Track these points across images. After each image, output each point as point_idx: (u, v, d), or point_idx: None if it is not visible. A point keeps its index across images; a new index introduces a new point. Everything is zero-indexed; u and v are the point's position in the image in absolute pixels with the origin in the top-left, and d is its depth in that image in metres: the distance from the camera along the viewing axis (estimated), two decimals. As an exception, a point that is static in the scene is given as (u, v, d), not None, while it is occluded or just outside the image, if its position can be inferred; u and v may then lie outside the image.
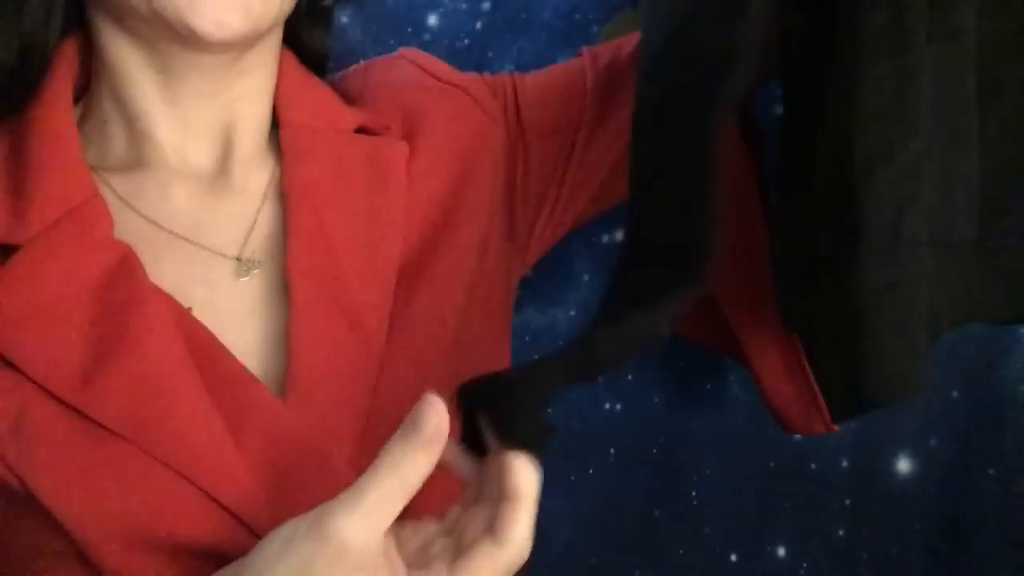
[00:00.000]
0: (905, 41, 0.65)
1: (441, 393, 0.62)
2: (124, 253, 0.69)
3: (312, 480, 0.67)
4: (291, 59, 0.80)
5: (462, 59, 1.02)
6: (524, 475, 0.58)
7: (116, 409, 0.65)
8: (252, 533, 0.65)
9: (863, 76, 0.65)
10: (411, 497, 0.57)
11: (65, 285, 0.67)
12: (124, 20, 0.72)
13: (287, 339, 0.69)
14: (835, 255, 0.68)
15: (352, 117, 0.79)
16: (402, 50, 0.87)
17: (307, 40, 0.82)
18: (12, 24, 0.72)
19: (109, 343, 0.66)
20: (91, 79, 0.76)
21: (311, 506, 0.62)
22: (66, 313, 0.67)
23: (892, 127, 0.66)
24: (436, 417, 0.56)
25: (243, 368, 0.68)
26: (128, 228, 0.71)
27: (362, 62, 0.88)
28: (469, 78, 0.86)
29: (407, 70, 0.85)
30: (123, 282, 0.68)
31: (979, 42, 0.68)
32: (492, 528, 0.58)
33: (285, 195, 0.74)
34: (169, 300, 0.69)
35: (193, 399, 0.66)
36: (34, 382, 0.66)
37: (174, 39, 0.70)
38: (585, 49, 0.88)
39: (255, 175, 0.76)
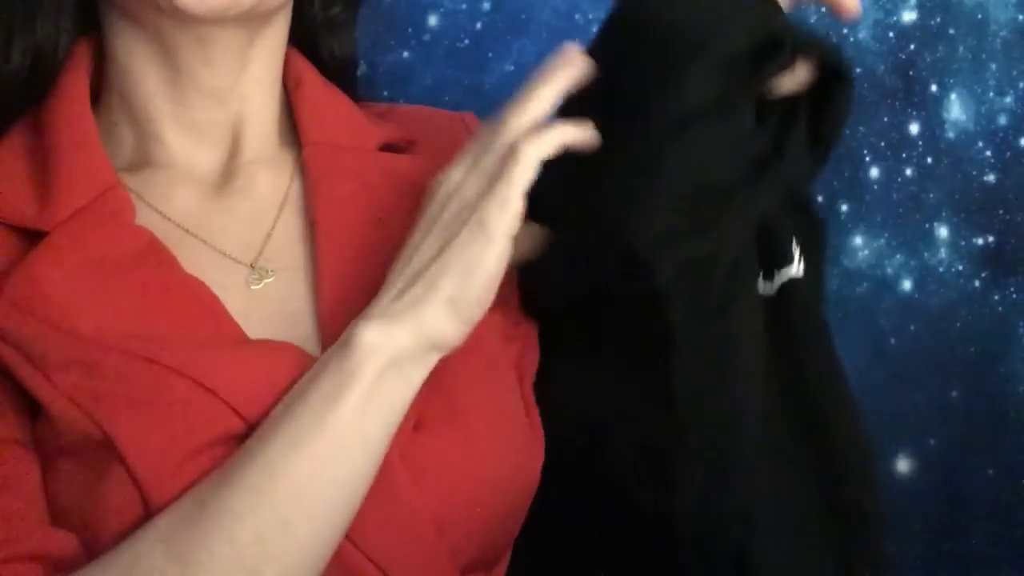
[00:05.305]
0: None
1: (478, 407, 0.70)
2: (151, 238, 0.70)
3: None
4: (312, 72, 0.80)
5: (462, 59, 1.02)
6: None
7: (174, 351, 0.66)
8: None
9: None
10: None
11: (102, 263, 0.69)
12: (126, 11, 0.73)
13: (321, 350, 0.68)
14: None
15: (376, 134, 0.79)
16: (463, 114, 0.85)
17: (323, 50, 0.82)
18: (26, 32, 0.74)
19: (155, 314, 0.67)
20: (102, 83, 0.77)
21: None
22: (109, 286, 0.68)
23: None
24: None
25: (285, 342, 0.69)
26: (145, 223, 0.72)
27: (418, 105, 0.88)
28: None
29: (459, 129, 0.83)
30: (156, 263, 0.70)
31: None
32: None
33: (312, 212, 0.74)
34: (202, 284, 0.70)
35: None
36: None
37: (175, 25, 0.71)
38: None
39: (265, 181, 0.76)
